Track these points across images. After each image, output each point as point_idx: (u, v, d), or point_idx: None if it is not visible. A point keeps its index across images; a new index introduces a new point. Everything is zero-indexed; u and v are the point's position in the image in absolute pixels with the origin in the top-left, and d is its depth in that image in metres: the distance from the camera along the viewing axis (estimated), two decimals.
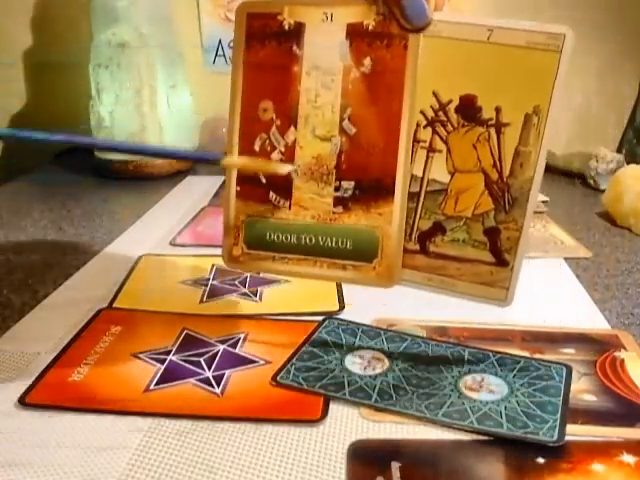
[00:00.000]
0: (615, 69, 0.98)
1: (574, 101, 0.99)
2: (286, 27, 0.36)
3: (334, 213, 0.37)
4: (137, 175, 0.90)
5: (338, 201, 0.36)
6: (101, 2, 0.89)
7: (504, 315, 0.41)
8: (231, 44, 1.22)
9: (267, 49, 0.36)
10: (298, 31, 0.36)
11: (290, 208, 0.37)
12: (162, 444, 0.32)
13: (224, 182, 0.39)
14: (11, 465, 0.30)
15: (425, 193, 0.36)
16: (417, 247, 0.36)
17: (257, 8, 0.36)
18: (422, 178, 0.35)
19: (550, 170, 0.95)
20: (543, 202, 0.77)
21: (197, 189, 0.84)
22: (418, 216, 0.36)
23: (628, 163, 0.81)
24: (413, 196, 0.36)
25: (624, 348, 0.40)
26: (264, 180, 0.37)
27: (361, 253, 0.36)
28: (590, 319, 0.45)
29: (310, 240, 0.37)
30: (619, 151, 0.93)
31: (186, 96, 0.96)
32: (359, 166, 0.36)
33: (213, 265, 0.55)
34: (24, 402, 0.35)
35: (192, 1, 1.05)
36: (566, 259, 0.57)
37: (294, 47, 0.36)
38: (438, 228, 0.36)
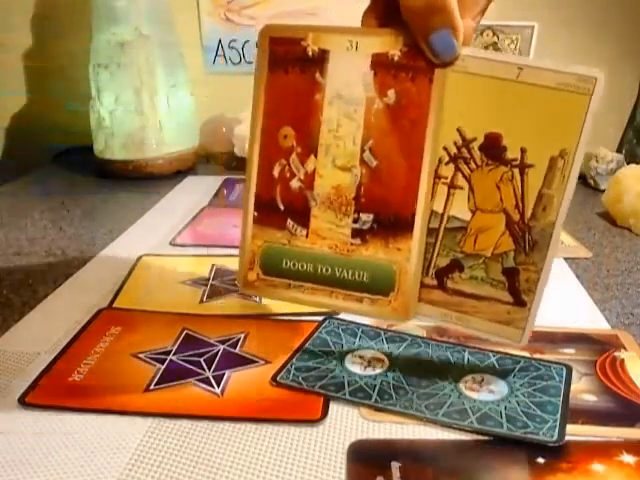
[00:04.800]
0: (615, 69, 0.98)
1: None
2: (310, 54, 0.35)
3: (352, 245, 0.36)
4: (137, 175, 0.90)
5: (356, 233, 0.36)
6: (101, 2, 0.89)
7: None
8: (231, 44, 1.21)
9: (290, 75, 0.36)
10: (322, 58, 0.35)
11: (307, 236, 0.37)
12: (162, 444, 0.32)
13: (242, 206, 0.39)
14: (11, 465, 0.30)
15: (444, 230, 0.35)
16: (435, 282, 0.36)
17: (281, 32, 0.36)
18: (442, 214, 0.35)
19: None
20: None
21: (197, 189, 0.84)
22: (436, 252, 0.35)
23: (628, 163, 0.81)
24: (432, 232, 0.35)
25: (624, 348, 0.40)
26: (282, 207, 0.37)
27: (377, 287, 0.36)
28: (590, 319, 0.45)
29: (326, 270, 0.37)
30: (619, 151, 0.93)
31: (186, 96, 0.96)
32: (379, 199, 0.35)
33: (213, 265, 0.55)
34: (24, 402, 0.35)
35: (192, 1, 1.05)
36: (566, 259, 0.57)
37: (317, 75, 0.35)
38: (456, 265, 0.35)
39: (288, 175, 0.37)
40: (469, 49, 0.33)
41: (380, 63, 0.34)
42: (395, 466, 0.29)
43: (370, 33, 0.34)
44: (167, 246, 0.61)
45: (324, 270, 0.37)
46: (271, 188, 0.37)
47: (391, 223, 0.35)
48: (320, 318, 0.44)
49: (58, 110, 1.05)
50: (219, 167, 0.99)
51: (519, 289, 0.34)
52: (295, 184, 0.37)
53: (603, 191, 0.74)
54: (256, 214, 0.38)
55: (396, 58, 0.33)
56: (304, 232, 0.37)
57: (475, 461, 0.30)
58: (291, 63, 0.36)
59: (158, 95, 0.90)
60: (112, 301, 0.48)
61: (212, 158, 1.01)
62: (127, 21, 0.88)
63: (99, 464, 0.30)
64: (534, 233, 0.33)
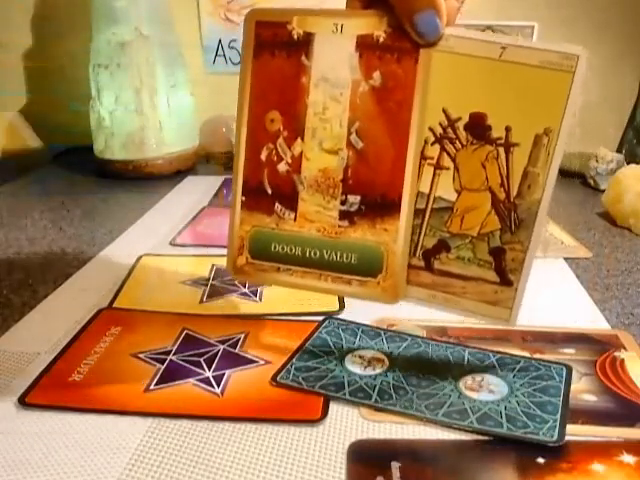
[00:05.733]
0: (615, 69, 0.98)
1: None
2: (295, 37, 0.35)
3: (339, 227, 0.36)
4: (137, 175, 0.90)
5: (344, 215, 0.36)
6: (101, 2, 0.89)
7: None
8: (231, 44, 1.21)
9: (276, 59, 0.36)
10: (307, 41, 0.35)
11: (295, 220, 0.37)
12: (162, 444, 0.32)
13: (231, 191, 0.39)
14: (11, 465, 0.30)
15: (431, 210, 0.35)
16: (422, 264, 0.36)
17: (266, 16, 0.36)
18: (428, 195, 0.35)
19: None
20: None
21: (197, 189, 0.84)
22: (423, 233, 0.35)
23: (628, 163, 0.81)
24: (419, 213, 0.35)
25: (624, 348, 0.40)
26: (270, 191, 0.37)
27: (366, 268, 0.36)
28: (590, 319, 0.45)
29: (315, 253, 0.37)
30: (619, 151, 0.93)
31: (186, 96, 0.96)
32: (366, 181, 0.35)
33: (213, 265, 0.55)
34: (24, 402, 0.35)
35: (192, 1, 1.05)
36: (566, 259, 0.57)
37: (303, 58, 0.35)
38: (443, 246, 0.35)
39: (275, 159, 0.37)
40: (453, 29, 0.33)
41: (365, 45, 0.34)
42: (395, 466, 0.29)
43: (355, 15, 0.34)
44: (167, 246, 0.61)
45: (313, 253, 0.37)
46: (259, 172, 0.37)
47: (378, 204, 0.35)
48: (320, 318, 0.44)
49: (58, 110, 1.05)
50: (219, 167, 0.99)
51: (505, 269, 0.34)
52: (282, 168, 0.37)
53: (603, 191, 0.74)
54: (244, 199, 0.38)
55: (381, 39, 0.34)
56: (292, 216, 0.37)
57: (475, 461, 0.30)
58: (277, 47, 0.36)
59: (158, 95, 0.90)
60: (112, 301, 0.48)
61: (212, 158, 1.01)
62: (127, 21, 0.88)
63: (99, 464, 0.30)
64: (520, 211, 0.33)
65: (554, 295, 0.49)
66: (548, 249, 0.60)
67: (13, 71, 1.07)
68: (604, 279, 0.53)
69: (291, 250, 0.37)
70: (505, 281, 0.34)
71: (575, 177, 0.90)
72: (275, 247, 0.37)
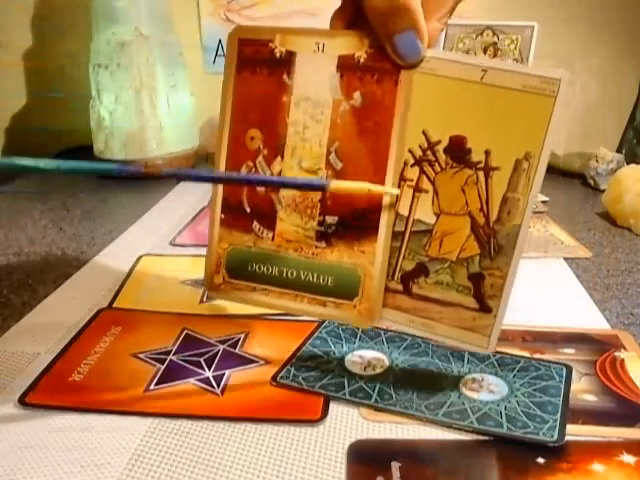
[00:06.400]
0: (615, 69, 0.98)
1: (574, 101, 0.99)
2: (277, 55, 0.35)
3: (317, 247, 0.36)
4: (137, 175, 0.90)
5: (321, 236, 0.36)
6: (101, 2, 0.89)
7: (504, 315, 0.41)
8: None
9: (258, 76, 0.36)
10: (289, 60, 0.35)
11: (273, 239, 0.37)
12: (162, 444, 0.32)
13: (210, 208, 0.38)
14: (11, 465, 0.30)
15: (410, 233, 0.34)
16: (400, 287, 0.35)
17: (249, 34, 0.36)
18: (407, 218, 0.34)
19: (550, 170, 0.95)
20: (543, 202, 0.77)
21: (197, 189, 0.84)
22: (402, 256, 0.35)
23: (628, 163, 0.81)
24: (397, 235, 0.34)
25: (624, 348, 0.40)
26: (248, 209, 0.37)
27: (342, 291, 0.35)
28: (590, 319, 0.45)
29: (292, 274, 0.36)
30: (619, 151, 0.93)
31: (186, 96, 0.96)
32: (344, 201, 0.35)
33: None
34: (24, 402, 0.35)
35: (192, 1, 1.05)
36: (566, 259, 0.57)
37: (284, 76, 0.35)
38: (421, 269, 0.34)
39: None
40: (434, 51, 0.32)
41: (346, 65, 0.34)
42: (395, 466, 0.29)
43: (336, 35, 0.34)
44: (167, 246, 0.61)
45: (289, 273, 0.36)
46: (238, 191, 0.37)
47: (356, 226, 0.35)
48: None
49: (58, 110, 1.05)
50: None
51: (484, 295, 0.33)
52: (262, 187, 0.37)
53: (603, 191, 0.74)
54: (223, 216, 0.38)
55: (362, 60, 0.33)
56: (270, 235, 0.37)
57: (475, 461, 0.30)
58: (259, 64, 0.36)
59: (158, 95, 0.90)
60: (112, 301, 0.48)
61: (212, 158, 1.01)
62: (127, 21, 0.88)
63: (99, 464, 0.30)
64: (499, 237, 0.33)
65: (554, 295, 0.49)
66: (548, 249, 0.60)
67: (13, 71, 1.07)
68: (604, 279, 0.53)
69: (268, 270, 0.37)
70: (484, 307, 0.33)
71: (575, 177, 0.90)
72: (252, 266, 0.37)
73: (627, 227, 0.67)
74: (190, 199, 0.79)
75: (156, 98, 0.90)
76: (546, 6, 0.96)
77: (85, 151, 0.96)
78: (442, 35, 0.33)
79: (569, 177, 0.91)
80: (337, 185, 0.33)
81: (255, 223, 0.37)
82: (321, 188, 0.34)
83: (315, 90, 0.35)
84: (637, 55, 0.98)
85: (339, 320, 0.37)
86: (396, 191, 0.33)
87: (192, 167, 0.96)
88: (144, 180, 0.89)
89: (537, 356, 0.39)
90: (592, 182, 0.86)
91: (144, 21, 0.89)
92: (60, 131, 1.04)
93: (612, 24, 0.97)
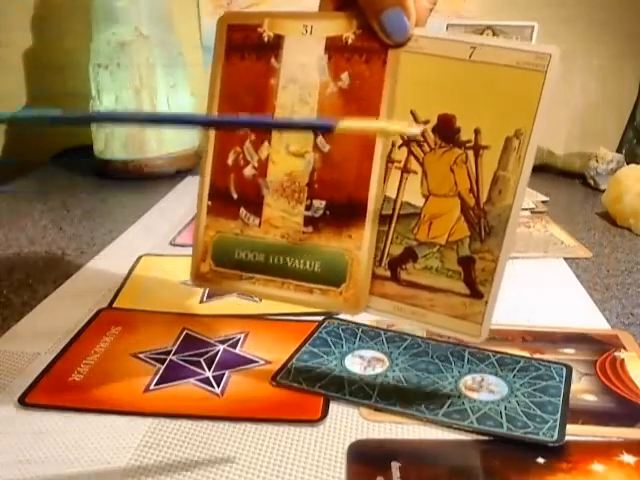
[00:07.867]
0: (615, 69, 0.98)
1: (574, 101, 0.99)
2: (265, 39, 0.35)
3: (304, 233, 0.35)
4: (137, 175, 0.90)
5: (308, 220, 0.35)
6: (101, 2, 0.89)
7: (504, 315, 0.41)
8: None
9: (246, 61, 0.35)
10: (277, 44, 0.35)
11: (260, 226, 0.36)
12: (162, 444, 0.32)
13: (197, 195, 0.38)
14: (11, 465, 0.30)
15: (398, 216, 0.34)
16: (388, 274, 0.34)
17: (238, 20, 0.36)
18: (395, 200, 0.33)
19: (550, 170, 0.95)
20: (543, 202, 0.77)
21: (197, 189, 0.83)
22: (389, 240, 0.34)
23: (628, 163, 0.81)
24: (385, 219, 0.33)
25: (624, 348, 0.40)
26: (235, 196, 0.36)
27: (329, 277, 0.35)
28: (590, 319, 0.45)
29: (278, 260, 0.36)
30: (619, 151, 0.93)
31: (186, 96, 0.96)
32: (331, 185, 0.34)
33: None
34: (24, 402, 0.35)
35: (192, 1, 1.05)
36: (566, 259, 0.57)
37: (272, 60, 0.35)
38: (410, 254, 0.33)
39: (242, 163, 0.36)
40: (422, 29, 0.32)
41: (334, 47, 0.34)
42: (395, 466, 0.29)
43: (325, 17, 0.34)
44: (167, 246, 0.61)
45: (276, 260, 0.36)
46: (225, 177, 0.37)
47: (343, 210, 0.34)
48: (320, 318, 0.44)
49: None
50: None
51: (475, 280, 0.32)
52: (249, 172, 0.36)
53: (603, 191, 0.74)
54: (210, 204, 0.37)
55: (350, 41, 0.33)
56: (257, 221, 0.36)
57: (475, 461, 0.30)
58: (247, 50, 0.35)
59: (158, 95, 0.90)
60: (112, 301, 0.48)
61: None
62: (127, 21, 0.88)
63: (99, 464, 0.30)
64: (490, 218, 0.31)
65: (554, 295, 0.49)
66: (548, 249, 0.60)
67: (13, 71, 1.07)
68: (604, 279, 0.53)
69: (254, 257, 0.36)
70: (475, 293, 0.32)
71: (575, 177, 0.90)
72: (238, 254, 0.36)
73: (627, 227, 0.67)
74: (190, 199, 0.78)
75: (156, 98, 0.90)
76: (546, 6, 0.96)
77: (85, 151, 0.96)
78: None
79: (569, 177, 0.91)
80: (347, 124, 0.30)
81: (242, 209, 0.36)
82: (328, 129, 0.31)
83: (303, 72, 0.34)
84: (637, 55, 0.98)
85: (325, 308, 0.36)
86: (416, 131, 0.32)
87: (192, 167, 0.96)
88: (144, 180, 0.89)
89: (537, 356, 0.39)
90: (592, 182, 0.86)
91: (144, 21, 0.89)
92: (60, 131, 1.04)
93: (612, 24, 0.97)
